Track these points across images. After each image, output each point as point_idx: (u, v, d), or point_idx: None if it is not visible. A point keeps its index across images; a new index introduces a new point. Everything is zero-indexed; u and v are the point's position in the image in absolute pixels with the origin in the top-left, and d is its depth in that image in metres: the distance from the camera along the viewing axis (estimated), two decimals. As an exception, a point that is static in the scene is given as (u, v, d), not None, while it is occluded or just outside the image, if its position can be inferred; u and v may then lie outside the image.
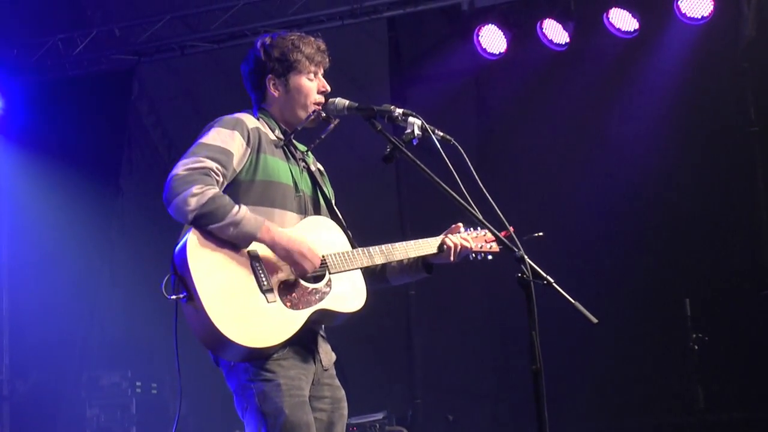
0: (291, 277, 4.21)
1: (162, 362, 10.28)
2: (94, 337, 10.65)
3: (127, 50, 10.63)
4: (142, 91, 11.34)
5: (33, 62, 10.71)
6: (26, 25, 10.48)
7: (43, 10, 10.48)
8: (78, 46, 10.57)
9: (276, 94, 4.58)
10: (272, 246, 4.16)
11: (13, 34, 10.43)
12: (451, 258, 4.71)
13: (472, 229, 4.84)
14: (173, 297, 4.04)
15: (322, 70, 4.65)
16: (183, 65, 10.81)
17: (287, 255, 4.17)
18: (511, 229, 4.01)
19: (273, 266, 4.18)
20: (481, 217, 4.01)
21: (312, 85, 4.59)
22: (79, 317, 10.63)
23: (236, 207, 4.10)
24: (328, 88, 4.64)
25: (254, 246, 4.16)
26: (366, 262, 4.46)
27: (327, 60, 4.66)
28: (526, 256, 3.78)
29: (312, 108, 4.57)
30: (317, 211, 4.56)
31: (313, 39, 4.65)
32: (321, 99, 4.60)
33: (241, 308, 4.02)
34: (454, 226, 4.79)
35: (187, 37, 10.42)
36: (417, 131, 4.19)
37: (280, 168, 4.43)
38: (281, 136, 4.54)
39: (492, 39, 9.58)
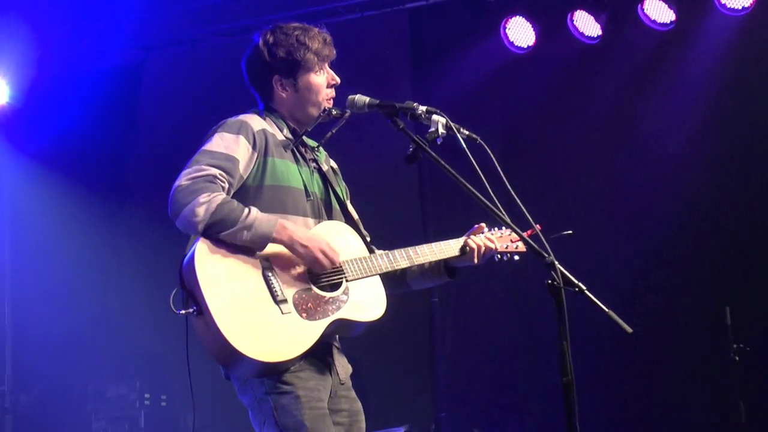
0: (306, 286, 4.22)
1: (171, 373, 10.30)
2: (101, 347, 10.67)
3: (135, 44, 10.67)
4: (152, 86, 11.37)
5: (36, 56, 10.74)
6: (29, 17, 10.50)
7: (46, 1, 10.51)
8: (83, 40, 10.61)
9: (285, 95, 4.59)
10: (290, 244, 4.17)
11: (15, 28, 10.46)
12: (475, 260, 4.73)
13: (496, 228, 4.87)
14: (182, 312, 4.05)
15: (328, 62, 4.66)
16: (194, 59, 10.82)
17: (306, 252, 4.18)
18: (538, 227, 4.01)
19: (287, 275, 4.19)
20: (508, 219, 4.02)
21: (321, 81, 4.60)
22: (85, 326, 10.66)
23: (246, 209, 4.11)
24: (338, 80, 4.66)
25: (266, 254, 4.17)
26: (386, 267, 4.48)
27: (334, 52, 4.67)
28: (556, 262, 3.77)
29: (324, 105, 4.60)
30: (330, 215, 4.57)
31: (317, 31, 4.65)
32: (332, 93, 4.64)
33: (254, 321, 4.03)
34: (477, 226, 4.81)
35: (198, 30, 10.46)
36: (441, 129, 4.20)
37: (289, 171, 4.44)
38: (290, 136, 4.55)
39: (520, 31, 9.59)
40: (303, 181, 4.47)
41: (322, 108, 4.59)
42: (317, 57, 4.57)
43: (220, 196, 4.10)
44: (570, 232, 4.39)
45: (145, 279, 10.07)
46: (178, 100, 10.89)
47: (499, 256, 4.87)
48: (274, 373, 4.13)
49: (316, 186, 4.56)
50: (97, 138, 10.91)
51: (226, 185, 4.21)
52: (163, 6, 10.39)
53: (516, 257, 4.90)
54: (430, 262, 4.73)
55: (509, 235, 4.88)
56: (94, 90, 10.84)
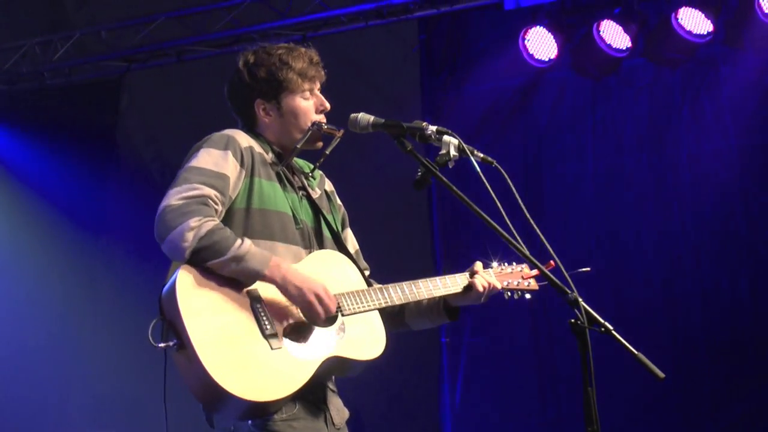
0: (298, 319, 4.23)
1: (152, 421, 10.24)
2: (74, 391, 10.66)
3: (116, 56, 10.71)
4: (133, 103, 11.40)
5: (5, 70, 10.79)
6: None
7: (17, 9, 10.56)
8: (58, 51, 10.66)
9: (268, 120, 4.63)
10: (283, 285, 4.17)
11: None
12: (482, 300, 4.72)
13: (506, 263, 4.89)
14: (162, 345, 4.06)
15: (318, 85, 4.69)
16: (180, 73, 10.86)
17: (299, 296, 4.17)
18: (551, 263, 4.01)
19: (277, 307, 4.20)
20: (526, 251, 4.01)
21: (308, 105, 4.63)
22: (57, 367, 10.64)
23: (239, 240, 4.12)
24: (327, 106, 4.68)
25: (255, 285, 4.18)
26: (385, 302, 4.47)
27: (322, 73, 4.70)
28: (580, 299, 3.78)
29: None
30: (322, 245, 4.59)
31: (303, 50, 4.68)
32: (322, 119, 4.64)
33: (241, 356, 4.04)
34: (476, 263, 4.80)
35: (184, 41, 10.50)
36: (453, 152, 4.21)
37: (277, 195, 4.47)
38: (276, 160, 4.58)
39: (541, 43, 9.59)
40: (291, 206, 4.49)
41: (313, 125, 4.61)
42: (301, 78, 4.60)
43: (212, 222, 4.11)
44: (588, 269, 4.36)
45: (124, 317, 10.05)
46: (162, 117, 10.92)
47: (508, 293, 4.88)
48: (262, 415, 4.13)
49: (305, 213, 4.57)
50: (71, 160, 10.91)
51: (219, 207, 4.24)
52: (146, 14, 10.42)
53: (527, 296, 4.90)
54: (429, 300, 4.71)
55: (520, 271, 4.90)
56: (68, 106, 10.86)
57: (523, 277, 4.88)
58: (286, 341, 4.15)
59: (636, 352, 3.75)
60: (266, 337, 4.10)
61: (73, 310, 10.76)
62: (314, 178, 4.76)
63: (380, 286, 4.56)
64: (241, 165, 4.37)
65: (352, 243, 4.83)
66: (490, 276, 4.76)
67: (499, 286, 4.76)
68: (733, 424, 8.98)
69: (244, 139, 4.47)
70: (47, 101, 10.88)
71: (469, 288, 4.70)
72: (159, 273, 4.26)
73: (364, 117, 4.41)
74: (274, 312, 4.18)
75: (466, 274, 4.75)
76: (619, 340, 3.77)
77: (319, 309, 4.18)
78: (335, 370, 4.35)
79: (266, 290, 4.20)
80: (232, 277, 4.14)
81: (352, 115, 4.45)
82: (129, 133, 11.38)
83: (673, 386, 8.85)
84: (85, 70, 10.87)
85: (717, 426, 9.06)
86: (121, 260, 10.76)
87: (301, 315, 4.24)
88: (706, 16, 9.01)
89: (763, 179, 9.16)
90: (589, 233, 9.47)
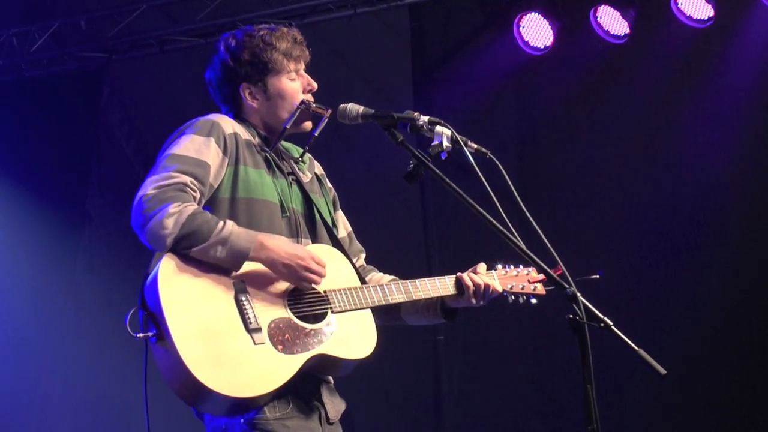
0: (284, 314, 4.23)
1: (138, 426, 10.27)
2: (56, 395, 10.64)
3: (96, 46, 10.69)
4: (114, 95, 11.38)
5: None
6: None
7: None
8: (36, 42, 10.63)
9: (255, 104, 4.67)
10: (270, 263, 4.20)
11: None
12: (473, 300, 4.70)
13: (512, 266, 4.87)
14: (140, 335, 4.07)
15: (303, 65, 4.74)
16: (162, 64, 10.85)
17: (289, 271, 4.21)
18: (559, 270, 3.99)
19: (263, 301, 4.22)
20: (523, 246, 4.02)
21: (295, 86, 4.68)
22: (38, 371, 10.62)
23: (221, 222, 4.14)
24: (315, 86, 4.73)
25: (241, 275, 4.20)
26: (378, 301, 4.49)
27: (307, 53, 4.76)
28: (578, 294, 3.78)
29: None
30: (313, 233, 4.61)
31: (286, 30, 4.73)
32: (310, 98, 4.68)
33: (222, 350, 4.05)
34: (479, 264, 4.79)
35: (167, 31, 10.48)
36: (446, 143, 4.23)
37: (264, 182, 4.50)
38: (263, 145, 4.62)
39: (536, 30, 9.59)
40: (279, 194, 4.52)
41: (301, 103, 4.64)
42: (286, 58, 4.65)
43: (191, 207, 4.13)
44: (597, 276, 4.33)
45: (107, 318, 10.02)
46: (145, 109, 10.89)
47: (512, 297, 4.85)
48: (246, 411, 4.14)
49: (294, 200, 4.60)
50: (51, 155, 10.89)
51: (198, 194, 4.26)
52: (127, 2, 10.39)
53: (534, 300, 4.87)
54: (426, 299, 4.72)
55: (527, 275, 4.87)
56: (47, 100, 10.84)
57: (529, 281, 4.86)
58: (271, 336, 4.14)
59: (637, 348, 3.76)
60: (249, 331, 4.11)
61: (54, 309, 10.73)
62: (304, 163, 4.79)
63: (375, 283, 4.58)
64: (224, 153, 4.41)
65: (344, 225, 4.89)
66: (492, 278, 4.75)
67: (499, 288, 4.74)
68: (732, 411, 8.99)
69: (228, 125, 4.51)
70: (25, 94, 10.84)
71: (461, 287, 4.69)
72: (142, 266, 4.26)
73: (354, 108, 4.44)
74: (260, 305, 4.20)
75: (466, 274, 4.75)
76: (619, 336, 3.77)
77: (312, 278, 4.24)
78: (323, 368, 4.36)
79: (252, 282, 4.22)
80: (216, 267, 4.16)
81: (341, 105, 4.48)
82: (110, 126, 11.35)
83: (676, 379, 8.83)
84: (64, 61, 10.84)
85: (719, 409, 9.04)
86: (104, 257, 10.73)
87: (290, 308, 4.25)
88: (706, 1, 9.01)
89: (761, 157, 9.12)
90: (587, 226, 9.47)
